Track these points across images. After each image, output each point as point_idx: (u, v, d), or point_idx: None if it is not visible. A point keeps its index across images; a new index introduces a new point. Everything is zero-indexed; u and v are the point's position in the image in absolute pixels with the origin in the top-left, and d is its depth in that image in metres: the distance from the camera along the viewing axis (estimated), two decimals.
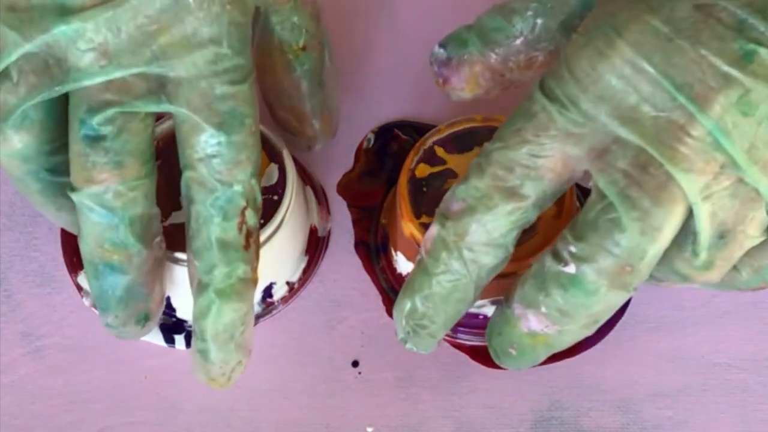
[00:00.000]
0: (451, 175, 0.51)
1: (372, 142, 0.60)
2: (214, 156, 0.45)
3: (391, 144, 0.59)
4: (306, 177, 0.58)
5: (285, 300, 0.55)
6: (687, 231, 0.43)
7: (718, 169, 0.42)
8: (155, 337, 0.54)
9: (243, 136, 0.45)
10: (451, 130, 0.52)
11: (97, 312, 0.54)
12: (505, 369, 0.53)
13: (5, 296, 0.56)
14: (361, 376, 0.54)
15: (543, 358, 0.48)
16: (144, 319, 0.49)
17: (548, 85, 0.44)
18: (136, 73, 0.44)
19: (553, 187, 0.44)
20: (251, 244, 0.47)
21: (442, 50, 0.51)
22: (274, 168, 0.52)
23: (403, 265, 0.53)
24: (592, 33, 0.43)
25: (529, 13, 0.49)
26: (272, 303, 0.55)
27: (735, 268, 0.45)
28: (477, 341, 0.51)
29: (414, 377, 0.54)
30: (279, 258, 0.53)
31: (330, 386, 0.54)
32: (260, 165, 0.47)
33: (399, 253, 0.53)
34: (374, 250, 0.56)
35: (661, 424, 0.52)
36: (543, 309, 0.45)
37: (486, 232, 0.45)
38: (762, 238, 0.43)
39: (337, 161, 0.59)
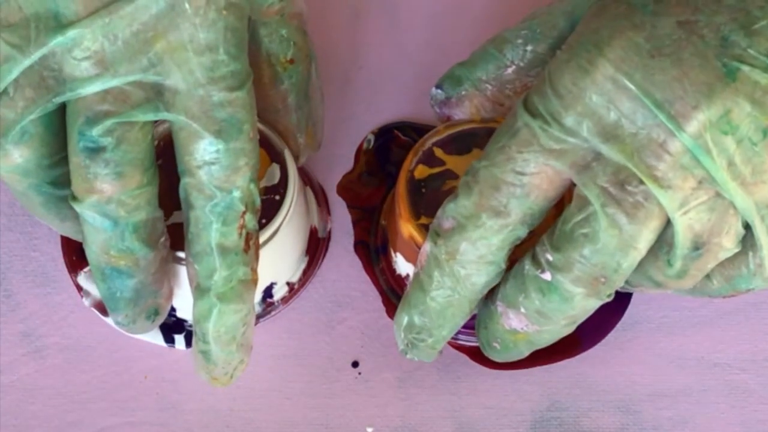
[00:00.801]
0: (450, 176, 0.51)
1: (372, 143, 0.60)
2: (212, 163, 0.45)
3: (390, 145, 0.59)
4: (306, 178, 0.58)
5: (285, 300, 0.55)
6: (662, 240, 0.44)
7: (697, 185, 0.42)
8: (155, 337, 0.54)
9: (241, 142, 0.45)
10: (450, 131, 0.52)
11: (97, 312, 0.54)
12: (504, 369, 0.53)
13: (5, 296, 0.56)
14: (361, 376, 0.54)
15: (526, 353, 0.49)
16: (154, 314, 0.50)
17: (531, 102, 0.44)
18: (133, 81, 0.44)
19: (540, 204, 0.45)
20: (251, 246, 0.47)
21: (439, 91, 0.52)
22: (275, 168, 0.52)
23: (402, 266, 0.53)
24: (574, 49, 0.43)
25: (519, 41, 0.50)
26: (272, 303, 0.55)
27: (707, 276, 0.45)
28: (476, 342, 0.51)
29: (414, 378, 0.54)
30: (280, 258, 0.53)
31: (330, 386, 0.54)
32: (258, 168, 0.47)
33: (398, 254, 0.53)
34: (374, 251, 0.56)
35: (661, 424, 0.53)
36: (522, 310, 0.46)
37: (476, 250, 0.45)
38: (736, 250, 0.44)
39: (337, 162, 0.59)
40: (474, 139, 0.52)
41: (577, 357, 0.54)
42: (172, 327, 0.54)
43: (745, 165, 0.41)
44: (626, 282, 0.46)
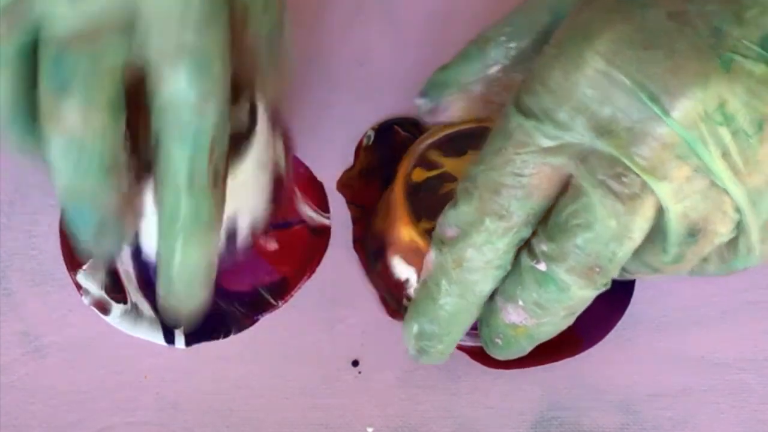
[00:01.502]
0: (448, 179, 0.51)
1: (372, 139, 0.59)
2: (183, 98, 0.45)
3: (391, 141, 0.59)
4: (277, 122, 0.56)
5: (284, 298, 0.55)
6: (659, 228, 0.44)
7: (691, 174, 0.42)
8: (155, 336, 0.54)
9: (212, 78, 0.45)
10: (446, 132, 0.52)
11: (96, 311, 0.54)
12: (505, 369, 0.53)
13: (4, 295, 0.56)
14: (361, 375, 0.54)
15: (528, 348, 0.49)
16: (118, 245, 0.50)
17: (522, 100, 0.44)
18: (105, 16, 0.44)
19: (542, 203, 0.44)
20: (218, 183, 0.47)
21: (424, 100, 0.52)
22: (244, 105, 0.51)
23: (401, 270, 0.53)
24: (564, 44, 0.43)
25: (502, 38, 0.50)
26: (271, 303, 0.55)
27: (704, 259, 0.45)
28: (476, 342, 0.51)
29: (414, 377, 0.54)
30: (244, 196, 0.52)
31: (330, 386, 0.54)
32: (230, 104, 0.47)
33: (397, 257, 0.53)
34: (371, 255, 0.56)
35: (661, 424, 0.53)
36: (520, 302, 0.46)
37: (482, 255, 0.45)
38: (732, 235, 0.44)
39: (337, 159, 0.59)
40: (470, 140, 0.52)
41: (578, 356, 0.54)
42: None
43: (739, 156, 0.41)
44: (624, 269, 0.46)
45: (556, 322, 0.46)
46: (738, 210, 0.43)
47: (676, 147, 0.41)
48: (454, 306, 0.46)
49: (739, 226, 0.44)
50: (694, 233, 0.43)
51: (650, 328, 0.55)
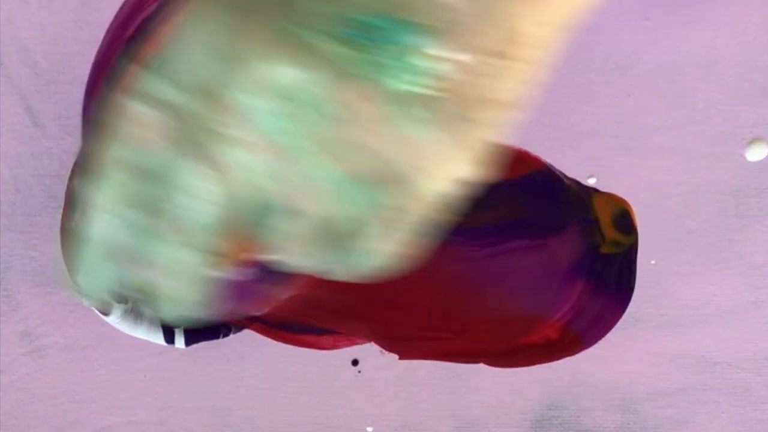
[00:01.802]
0: None
1: None
2: None
3: None
4: None
5: None
6: (261, 204, 0.41)
7: (268, 144, 0.40)
8: (155, 336, 0.54)
9: None
10: None
11: (96, 312, 0.54)
12: (505, 367, 0.53)
13: (5, 296, 0.56)
14: (361, 374, 0.54)
15: (184, 312, 0.44)
16: None
17: (137, 51, 0.42)
18: None
19: (145, 154, 0.42)
20: None
21: None
22: None
23: None
24: (168, 2, 0.43)
25: None
26: None
27: (324, 249, 0.42)
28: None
29: (414, 376, 0.54)
30: None
31: (330, 386, 0.54)
32: None
33: None
34: None
35: (661, 423, 0.53)
36: (143, 259, 0.43)
37: (99, 199, 0.42)
38: (350, 226, 0.41)
39: None
40: None
41: (578, 356, 0.54)
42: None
43: (330, 137, 0.39)
44: (253, 240, 0.43)
45: (187, 285, 0.43)
46: (351, 198, 0.40)
47: (247, 115, 0.40)
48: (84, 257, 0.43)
49: (355, 220, 0.41)
50: (280, 209, 0.41)
51: (651, 326, 0.55)
